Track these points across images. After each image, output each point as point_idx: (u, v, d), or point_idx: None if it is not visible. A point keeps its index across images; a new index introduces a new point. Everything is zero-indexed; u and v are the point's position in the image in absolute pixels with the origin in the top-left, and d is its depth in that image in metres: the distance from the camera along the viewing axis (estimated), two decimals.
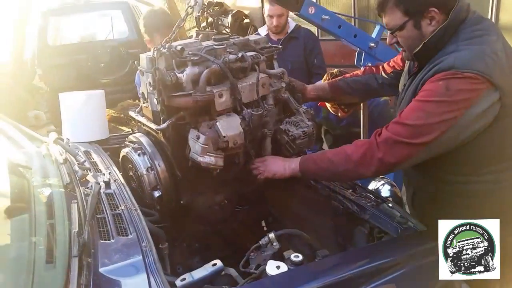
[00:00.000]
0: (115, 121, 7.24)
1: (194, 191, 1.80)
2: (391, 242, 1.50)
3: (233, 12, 5.37)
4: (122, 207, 1.51)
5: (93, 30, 8.44)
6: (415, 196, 1.78)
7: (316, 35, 4.79)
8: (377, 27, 2.41)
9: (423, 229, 1.51)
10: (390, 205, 1.65)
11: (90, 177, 1.68)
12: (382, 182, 2.14)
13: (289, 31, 3.26)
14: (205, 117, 1.64)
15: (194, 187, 1.79)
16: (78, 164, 1.75)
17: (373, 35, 2.40)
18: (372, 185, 2.08)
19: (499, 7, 3.85)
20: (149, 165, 1.71)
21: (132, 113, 1.92)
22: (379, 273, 1.30)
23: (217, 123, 1.59)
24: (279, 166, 1.70)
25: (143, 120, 1.81)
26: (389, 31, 1.58)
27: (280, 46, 1.94)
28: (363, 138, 2.65)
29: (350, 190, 1.78)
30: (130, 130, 2.67)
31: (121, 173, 1.84)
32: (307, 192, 1.89)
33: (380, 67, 2.02)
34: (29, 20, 8.17)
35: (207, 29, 2.27)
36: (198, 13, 1.95)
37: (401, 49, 1.63)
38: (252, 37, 1.92)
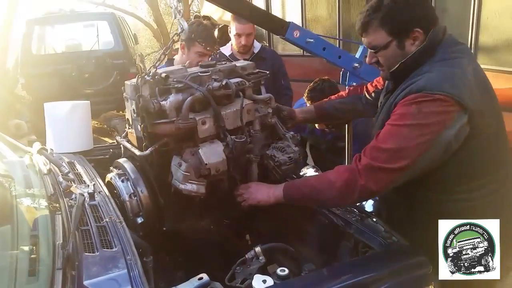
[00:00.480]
0: (97, 132, 7.19)
1: (177, 217, 1.79)
2: (375, 256, 1.51)
3: (220, 26, 5.40)
4: (107, 219, 1.49)
5: (79, 40, 8.40)
6: (390, 219, 1.77)
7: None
8: (361, 48, 2.46)
9: (406, 244, 1.53)
10: (374, 219, 1.67)
11: (74, 189, 1.66)
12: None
13: (255, 51, 3.18)
14: (189, 143, 1.65)
15: (177, 213, 1.78)
16: (62, 175, 1.73)
17: (357, 55, 2.45)
18: None
19: (478, 28, 3.97)
20: (132, 191, 1.70)
21: (118, 138, 1.93)
22: None
23: (200, 150, 1.60)
24: (263, 194, 1.69)
25: (127, 145, 1.81)
26: (370, 50, 1.59)
27: (268, 72, 1.95)
28: (347, 153, 2.68)
29: None
30: (114, 141, 2.66)
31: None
32: (292, 206, 1.89)
33: (364, 87, 2.06)
34: (14, 27, 8.09)
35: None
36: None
37: (380, 68, 1.64)
38: (239, 63, 1.94)
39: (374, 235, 1.56)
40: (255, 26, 3.03)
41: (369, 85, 2.02)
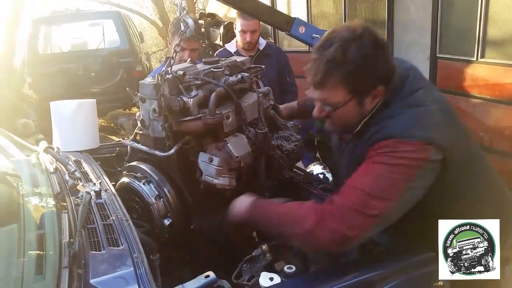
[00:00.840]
0: (104, 130, 7.22)
1: (203, 214, 1.78)
2: (383, 254, 1.50)
3: (225, 23, 5.38)
4: (113, 217, 1.49)
5: (84, 39, 8.43)
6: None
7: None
8: None
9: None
10: None
11: (80, 187, 1.66)
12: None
13: (260, 48, 3.16)
14: (208, 140, 1.65)
15: (204, 210, 1.77)
16: (68, 173, 1.73)
17: None
18: None
19: (486, 21, 3.93)
20: (157, 193, 1.68)
21: (127, 142, 1.91)
22: (372, 285, 1.30)
23: (228, 144, 1.61)
24: (232, 214, 1.57)
25: (144, 148, 1.78)
26: (321, 105, 1.40)
27: (263, 66, 1.97)
28: None
29: None
30: (120, 139, 2.66)
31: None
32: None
33: None
34: (20, 27, 8.14)
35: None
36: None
37: (328, 122, 1.46)
38: (238, 58, 1.96)
39: (382, 232, 1.55)
40: (261, 23, 3.02)
41: None
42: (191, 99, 1.58)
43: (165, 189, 1.68)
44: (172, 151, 1.64)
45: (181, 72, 1.60)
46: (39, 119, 6.82)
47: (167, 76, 1.58)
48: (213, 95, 1.58)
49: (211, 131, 1.64)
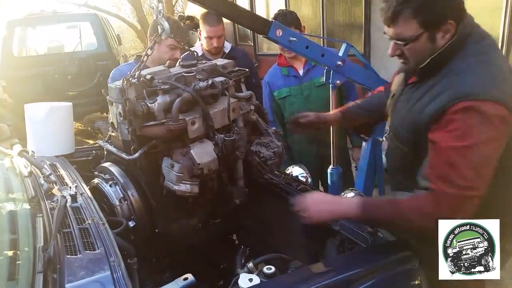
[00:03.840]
0: (81, 134, 7.11)
1: (169, 218, 1.78)
2: (361, 252, 1.51)
3: None
4: (89, 221, 1.46)
5: (61, 41, 8.28)
6: None
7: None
8: (344, 45, 2.44)
9: (393, 239, 1.54)
10: None
11: (56, 191, 1.63)
12: (352, 193, 2.17)
13: (226, 51, 3.20)
14: (178, 144, 1.64)
15: (169, 214, 1.77)
16: (43, 177, 1.69)
17: (340, 53, 2.42)
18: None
19: None
20: (121, 195, 1.68)
21: (100, 142, 1.90)
22: (351, 283, 1.31)
23: (191, 151, 1.60)
24: (322, 213, 1.51)
25: (113, 150, 1.78)
26: (396, 42, 1.46)
27: (247, 70, 1.97)
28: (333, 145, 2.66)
29: None
30: (97, 143, 2.62)
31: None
32: (278, 203, 1.89)
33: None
34: None
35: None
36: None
37: (403, 61, 1.51)
38: (219, 61, 1.94)
39: (360, 232, 1.56)
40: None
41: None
42: (155, 104, 1.56)
43: (129, 192, 1.68)
44: (137, 155, 1.63)
45: (149, 76, 1.58)
46: (14, 123, 6.65)
47: (132, 80, 1.57)
48: (177, 101, 1.57)
49: (177, 137, 1.62)
